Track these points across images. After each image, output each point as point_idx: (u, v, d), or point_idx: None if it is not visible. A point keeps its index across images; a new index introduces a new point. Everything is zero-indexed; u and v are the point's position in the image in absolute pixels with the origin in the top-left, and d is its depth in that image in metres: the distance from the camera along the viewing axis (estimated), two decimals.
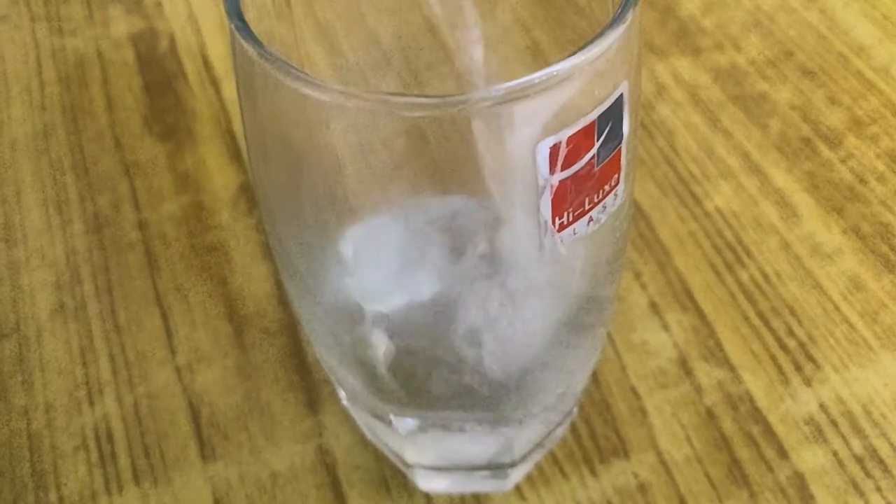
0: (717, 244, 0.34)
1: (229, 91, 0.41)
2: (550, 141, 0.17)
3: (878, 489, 0.28)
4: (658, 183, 0.36)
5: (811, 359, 0.31)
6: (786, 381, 0.31)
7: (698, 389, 0.31)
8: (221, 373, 0.32)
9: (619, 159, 0.19)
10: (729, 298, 0.33)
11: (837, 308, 0.32)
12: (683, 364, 0.31)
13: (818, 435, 0.29)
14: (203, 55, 0.42)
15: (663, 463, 0.29)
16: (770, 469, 0.29)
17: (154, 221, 0.36)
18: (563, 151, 0.17)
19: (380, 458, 0.29)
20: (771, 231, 0.34)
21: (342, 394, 0.29)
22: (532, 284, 0.20)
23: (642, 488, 0.28)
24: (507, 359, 0.21)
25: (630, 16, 0.17)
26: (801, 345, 0.31)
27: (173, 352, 0.32)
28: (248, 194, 0.37)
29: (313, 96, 0.17)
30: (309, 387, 0.31)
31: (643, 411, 0.30)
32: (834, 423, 0.30)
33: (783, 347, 0.31)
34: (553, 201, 0.18)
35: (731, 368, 0.31)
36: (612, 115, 0.18)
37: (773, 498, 0.28)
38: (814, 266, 0.33)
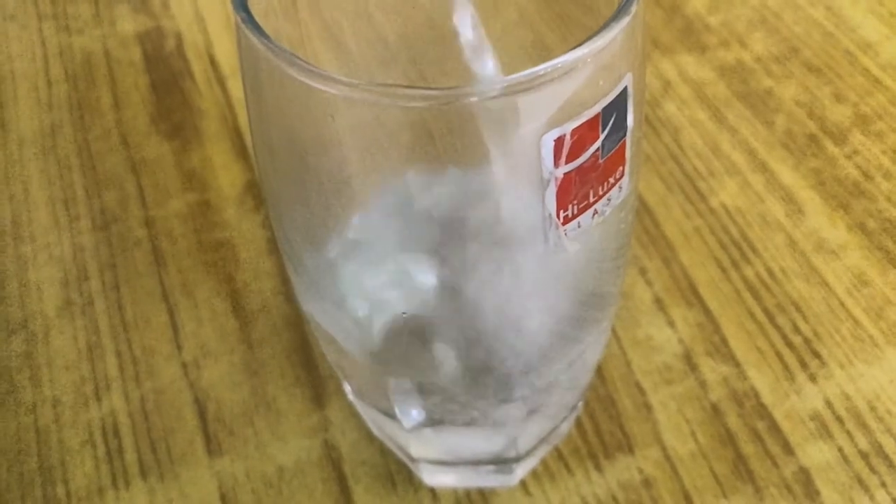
0: (723, 240, 0.34)
1: (235, 89, 0.41)
2: (555, 133, 0.17)
3: (884, 485, 0.28)
4: (664, 179, 0.36)
5: (816, 355, 0.31)
6: (791, 378, 0.31)
7: (703, 385, 0.31)
8: (228, 368, 0.32)
9: (624, 152, 0.19)
10: (734, 295, 0.33)
11: (843, 304, 0.32)
12: (688, 360, 0.31)
13: (823, 431, 0.29)
14: (209, 54, 0.42)
15: (668, 458, 0.29)
16: (775, 465, 0.29)
17: (161, 218, 0.36)
18: (567, 144, 0.17)
19: (385, 453, 0.29)
20: (776, 227, 0.34)
21: (348, 389, 0.29)
22: (536, 277, 0.20)
23: (647, 483, 0.28)
24: (512, 351, 0.21)
25: (634, 8, 0.17)
26: (807, 341, 0.31)
27: (180, 348, 0.32)
28: (255, 191, 0.37)
29: (318, 88, 0.17)
30: (315, 382, 0.31)
31: (648, 407, 0.30)
32: (839, 420, 0.30)
33: (788, 344, 0.31)
34: (558, 194, 0.18)
35: (737, 364, 0.31)
36: (617, 107, 0.18)
37: (779, 494, 0.28)
38: (819, 262, 0.33)
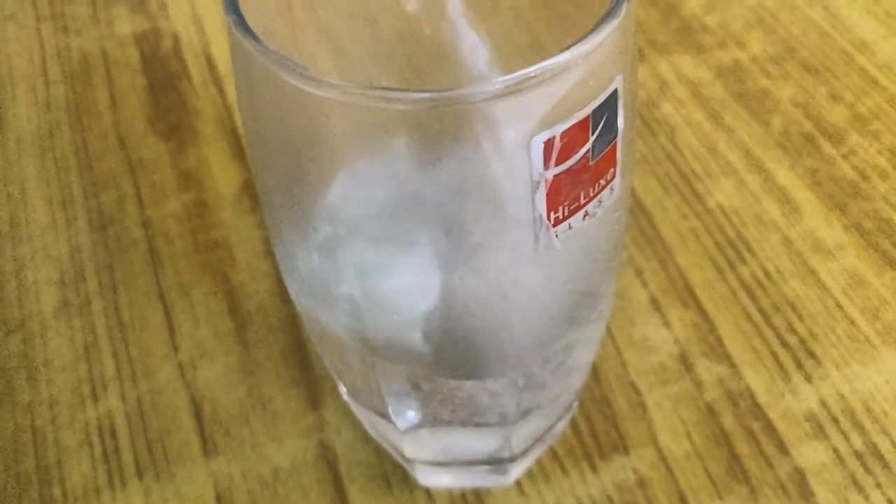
0: (719, 241, 0.34)
1: (232, 90, 0.41)
2: (545, 135, 0.17)
3: (879, 486, 0.28)
4: (660, 180, 0.36)
5: (812, 355, 0.31)
6: (786, 378, 0.31)
7: (699, 385, 0.31)
8: (224, 369, 0.32)
9: (615, 154, 0.19)
10: (730, 295, 0.33)
11: (839, 305, 0.32)
12: (684, 360, 0.31)
13: (819, 431, 0.29)
14: (206, 55, 0.42)
15: (663, 459, 0.29)
16: (770, 465, 0.29)
17: (157, 219, 0.36)
18: (557, 146, 0.17)
19: (381, 454, 0.29)
20: (772, 228, 0.34)
21: (343, 389, 0.29)
22: (527, 278, 0.20)
23: (642, 484, 0.29)
24: (500, 345, 0.21)
25: (624, 10, 0.17)
26: (802, 341, 0.31)
27: (176, 348, 0.32)
28: (251, 192, 0.37)
29: (310, 91, 0.17)
30: (310, 383, 0.31)
31: (643, 407, 0.30)
32: (834, 420, 0.30)
33: (784, 344, 0.31)
34: (548, 196, 0.18)
35: (732, 365, 0.31)
36: (607, 109, 0.18)
37: (773, 494, 0.28)
38: (815, 263, 0.33)
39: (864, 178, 0.36)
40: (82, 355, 0.32)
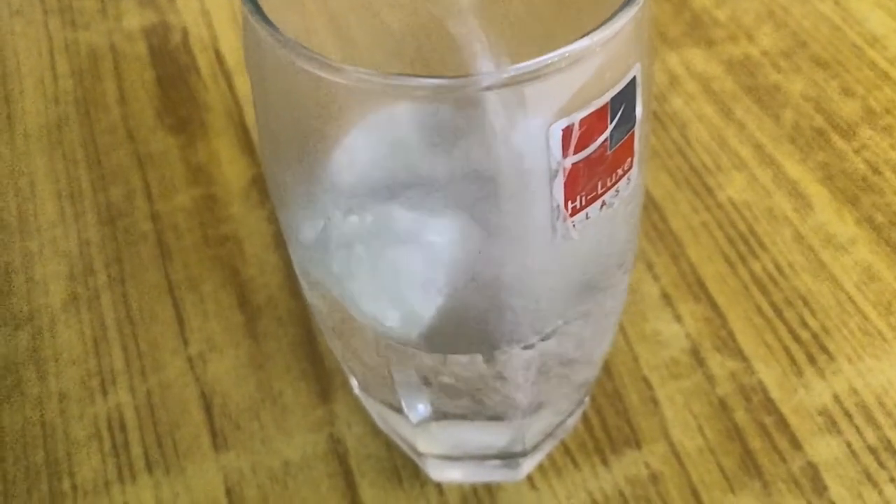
0: (731, 235, 0.34)
1: (241, 84, 0.41)
2: (563, 123, 0.17)
3: (892, 480, 0.28)
4: (671, 174, 0.36)
5: (825, 350, 0.31)
6: (799, 372, 0.30)
7: (711, 380, 0.30)
8: (233, 363, 0.32)
9: (633, 143, 0.19)
10: (742, 289, 0.33)
11: (851, 299, 0.32)
12: (696, 354, 0.31)
13: (832, 426, 0.29)
14: (215, 48, 0.42)
15: (675, 453, 0.29)
16: (783, 460, 0.29)
17: (166, 213, 0.36)
18: (575, 134, 0.17)
19: (391, 448, 0.29)
20: (784, 222, 0.34)
21: (354, 383, 0.29)
22: (542, 268, 0.20)
23: (654, 479, 0.28)
24: (513, 321, 0.21)
25: None
26: (815, 336, 0.31)
27: (185, 342, 0.32)
28: (260, 186, 0.37)
29: (324, 77, 0.17)
30: (321, 376, 0.31)
31: (655, 402, 0.30)
32: (848, 414, 0.29)
33: (796, 338, 0.31)
34: (566, 185, 0.18)
35: (744, 359, 0.31)
36: (625, 97, 0.18)
37: (786, 489, 0.28)
38: (827, 257, 0.33)
39: (876, 172, 0.36)
40: (91, 349, 0.32)
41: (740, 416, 0.30)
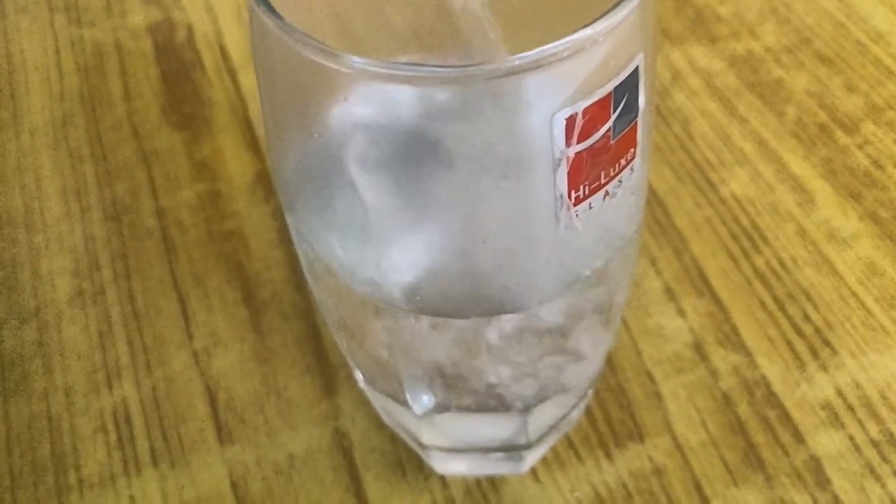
0: (733, 230, 0.34)
1: (246, 80, 0.41)
2: (566, 112, 0.17)
3: (895, 473, 0.28)
4: (674, 169, 0.36)
5: (827, 344, 0.31)
6: (802, 367, 0.31)
7: (714, 374, 0.30)
8: (238, 357, 0.32)
9: (636, 133, 0.19)
10: (745, 284, 0.33)
11: (854, 293, 0.32)
12: (699, 349, 0.31)
13: (834, 420, 0.29)
14: (220, 45, 0.42)
15: (678, 447, 0.29)
16: (786, 453, 0.29)
17: (171, 209, 0.36)
18: (579, 123, 0.17)
19: (396, 441, 0.29)
20: (787, 217, 0.34)
21: (359, 377, 0.29)
22: (545, 259, 0.20)
23: (657, 472, 0.28)
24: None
25: None
26: (818, 330, 0.31)
27: (191, 336, 0.33)
28: (265, 182, 0.37)
29: (331, 67, 0.17)
30: (325, 370, 0.31)
31: (658, 395, 0.30)
32: (850, 408, 0.30)
33: (799, 333, 0.31)
34: (569, 174, 0.18)
35: (747, 353, 0.31)
36: (628, 86, 0.18)
37: (789, 482, 0.28)
38: (830, 252, 0.33)
39: (879, 167, 0.36)
40: (97, 343, 0.33)
41: (743, 409, 0.30)
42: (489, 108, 0.17)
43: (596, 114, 0.17)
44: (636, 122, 0.19)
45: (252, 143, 0.38)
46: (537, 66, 0.16)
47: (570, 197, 0.18)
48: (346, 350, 0.28)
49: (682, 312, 0.32)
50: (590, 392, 0.29)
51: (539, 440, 0.28)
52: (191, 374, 0.32)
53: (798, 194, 0.35)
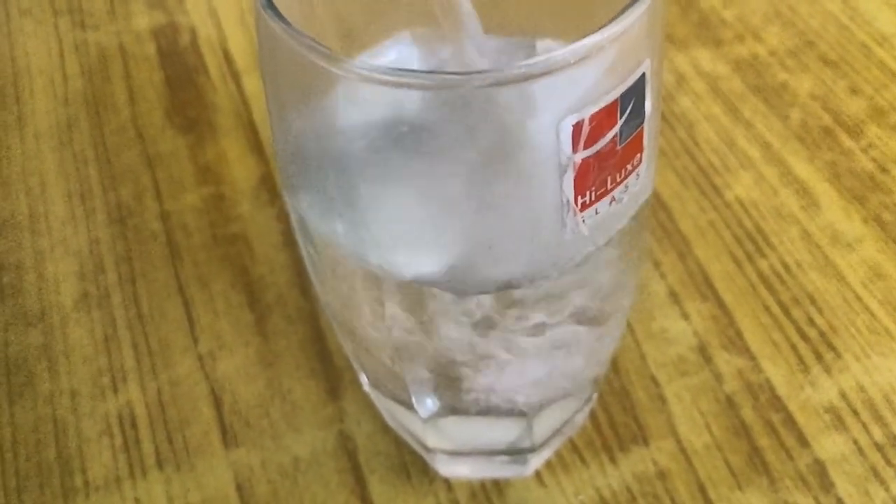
0: (738, 234, 0.34)
1: (250, 84, 0.41)
2: (573, 118, 0.17)
3: None
4: (678, 174, 0.36)
5: (832, 347, 0.31)
6: (806, 370, 0.31)
7: (718, 377, 0.30)
8: (243, 360, 0.32)
9: (642, 139, 0.19)
10: (749, 288, 0.33)
11: (858, 297, 0.32)
12: (703, 352, 0.31)
13: (839, 423, 0.29)
14: (224, 49, 0.43)
15: (683, 450, 0.29)
16: (790, 457, 0.29)
17: (176, 212, 0.36)
18: (585, 129, 0.17)
19: (400, 444, 0.29)
20: (791, 221, 0.34)
21: (364, 380, 0.29)
22: (552, 263, 0.20)
23: (662, 475, 0.28)
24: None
25: None
26: (822, 334, 0.31)
27: (195, 340, 0.33)
28: (269, 185, 0.37)
29: (334, 72, 0.17)
30: (330, 373, 0.31)
31: (662, 399, 0.30)
32: (854, 412, 0.30)
33: (803, 336, 0.31)
34: (576, 180, 0.18)
35: (752, 357, 0.31)
36: (635, 92, 0.18)
37: (794, 485, 0.28)
38: (834, 255, 0.33)
39: (884, 170, 0.36)
40: (102, 347, 0.33)
41: (747, 413, 0.30)
42: (496, 114, 0.17)
43: (603, 120, 0.17)
44: (643, 128, 0.19)
45: (256, 147, 0.38)
46: (544, 72, 0.16)
47: (576, 202, 0.18)
48: (350, 353, 0.28)
49: (686, 316, 0.32)
50: (594, 395, 0.29)
51: (543, 443, 0.28)
52: (196, 378, 0.32)
53: (802, 198, 0.35)
